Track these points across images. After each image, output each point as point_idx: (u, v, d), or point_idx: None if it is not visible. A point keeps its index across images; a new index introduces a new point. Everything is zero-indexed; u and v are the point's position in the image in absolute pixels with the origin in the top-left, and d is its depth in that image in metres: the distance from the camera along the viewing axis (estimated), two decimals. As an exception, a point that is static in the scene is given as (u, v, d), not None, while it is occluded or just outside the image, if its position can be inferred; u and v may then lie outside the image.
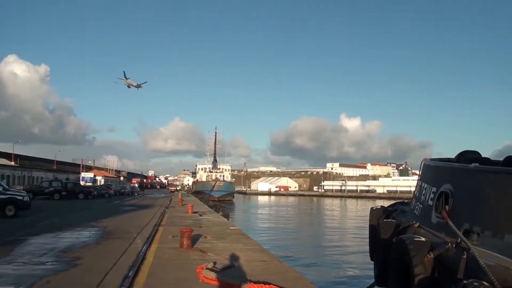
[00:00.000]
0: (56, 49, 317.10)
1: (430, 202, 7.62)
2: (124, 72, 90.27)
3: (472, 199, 6.23)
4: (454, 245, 5.99)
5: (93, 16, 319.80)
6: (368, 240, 10.71)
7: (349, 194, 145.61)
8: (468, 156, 8.56)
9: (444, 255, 6.13)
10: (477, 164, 6.97)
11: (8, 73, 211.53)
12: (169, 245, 13.06)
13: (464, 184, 6.68)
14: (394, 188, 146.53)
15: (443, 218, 6.59)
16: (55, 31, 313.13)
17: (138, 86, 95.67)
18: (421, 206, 8.27)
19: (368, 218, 10.96)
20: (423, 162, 9.38)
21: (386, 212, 10.42)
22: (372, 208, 10.78)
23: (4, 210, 22.74)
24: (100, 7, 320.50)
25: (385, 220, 9.31)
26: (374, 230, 9.87)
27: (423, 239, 6.68)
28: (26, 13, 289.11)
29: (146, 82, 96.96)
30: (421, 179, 9.00)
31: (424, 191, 8.30)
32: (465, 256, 5.53)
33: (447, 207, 6.73)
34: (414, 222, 7.86)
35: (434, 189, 7.61)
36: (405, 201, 11.42)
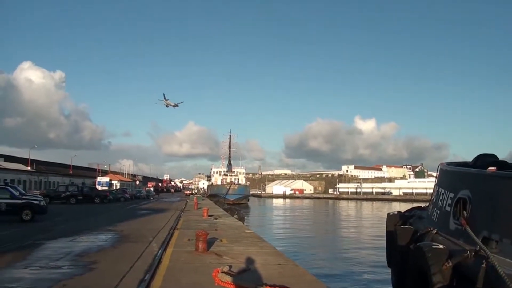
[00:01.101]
0: (71, 55, 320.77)
1: (448, 208, 7.49)
2: (164, 94, 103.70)
3: (491, 206, 6.10)
4: (473, 254, 5.85)
5: (107, 21, 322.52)
6: (385, 246, 10.57)
7: (365, 196, 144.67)
8: (485, 160, 8.41)
9: (463, 264, 6.00)
10: (494, 168, 6.83)
11: (24, 80, 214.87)
12: (184, 249, 13.05)
13: (482, 190, 6.54)
14: (410, 190, 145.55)
15: (461, 225, 6.48)
16: (70, 37, 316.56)
17: (175, 105, 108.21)
18: (438, 212, 8.14)
19: (384, 222, 10.83)
20: (439, 167, 9.23)
21: (403, 217, 10.29)
22: (389, 213, 10.65)
23: (21, 215, 22.95)
24: (114, 12, 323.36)
25: (402, 226, 9.19)
26: (391, 236, 9.75)
27: (441, 246, 6.54)
28: (41, 20, 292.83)
29: (182, 102, 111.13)
30: (438, 184, 8.86)
31: (441, 196, 8.16)
32: (484, 265, 5.40)
33: (465, 213, 6.60)
34: (431, 229, 7.72)
35: (451, 195, 7.48)
36: (422, 206, 11.25)
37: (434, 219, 8.29)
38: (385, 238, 10.71)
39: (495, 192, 6.13)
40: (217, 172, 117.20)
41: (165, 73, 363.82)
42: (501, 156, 8.81)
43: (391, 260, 9.91)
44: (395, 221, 10.12)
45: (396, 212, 10.76)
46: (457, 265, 6.07)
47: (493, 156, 8.80)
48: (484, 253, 5.48)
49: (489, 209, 6.11)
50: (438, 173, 9.23)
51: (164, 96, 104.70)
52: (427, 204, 10.13)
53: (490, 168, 7.01)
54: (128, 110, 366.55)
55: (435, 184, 9.20)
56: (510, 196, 5.75)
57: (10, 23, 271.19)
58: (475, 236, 5.93)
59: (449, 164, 9.42)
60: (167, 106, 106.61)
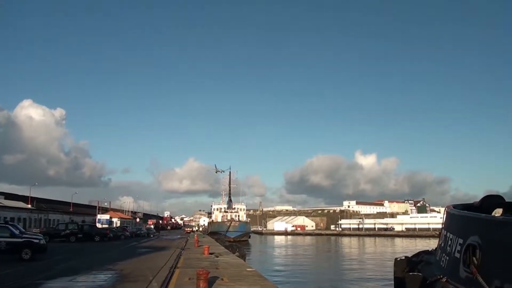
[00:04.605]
0: (72, 93, 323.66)
1: (457, 255, 7.35)
2: (215, 165, 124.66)
3: (502, 253, 5.99)
4: None
5: (106, 58, 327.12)
6: None
7: (367, 232, 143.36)
8: (492, 201, 8.37)
9: None
10: (501, 210, 6.76)
11: (24, 117, 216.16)
12: (185, 288, 12.90)
13: (493, 237, 6.42)
14: (412, 226, 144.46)
15: (472, 273, 6.35)
16: (70, 74, 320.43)
17: (222, 171, 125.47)
18: (447, 258, 7.98)
19: (387, 259, 10.75)
20: (446, 210, 9.15)
21: (410, 263, 10.16)
22: (396, 259, 10.56)
23: (20, 254, 22.75)
24: (112, 49, 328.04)
25: (411, 273, 9.08)
26: (399, 283, 9.64)
27: None
28: (41, 58, 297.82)
29: (229, 169, 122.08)
30: (446, 228, 8.74)
31: (449, 242, 8.01)
32: None
33: (475, 260, 6.48)
34: (441, 276, 7.58)
35: (460, 241, 7.35)
36: (429, 250, 11.13)
37: (443, 266, 8.12)
38: (391, 283, 10.59)
39: (506, 239, 6.01)
40: (217, 209, 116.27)
41: (165, 111, 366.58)
42: (503, 190, 8.81)
43: None
44: (403, 267, 10.01)
45: (403, 257, 10.64)
46: None
47: (499, 197, 8.76)
48: None
49: (501, 257, 5.98)
50: (445, 217, 9.14)
51: (215, 166, 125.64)
52: (430, 241, 10.01)
53: (496, 210, 6.97)
54: (128, 147, 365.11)
55: (442, 228, 9.09)
56: None
57: (10, 62, 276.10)
58: (487, 285, 5.82)
59: (455, 206, 9.34)
60: (216, 172, 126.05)
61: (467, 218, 7.74)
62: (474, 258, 6.50)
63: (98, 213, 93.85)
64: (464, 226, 7.62)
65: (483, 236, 6.59)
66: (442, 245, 8.60)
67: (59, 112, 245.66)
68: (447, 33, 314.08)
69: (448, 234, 8.27)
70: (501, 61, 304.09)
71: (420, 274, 8.78)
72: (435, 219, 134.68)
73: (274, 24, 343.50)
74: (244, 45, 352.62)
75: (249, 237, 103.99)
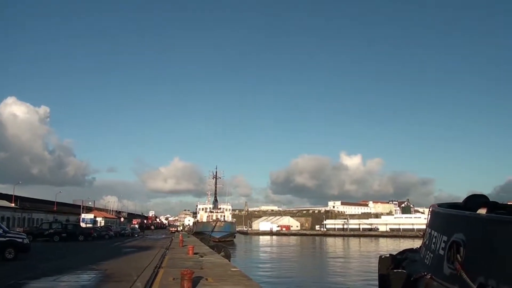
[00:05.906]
0: (56, 90, 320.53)
1: (441, 252, 7.41)
2: (212, 172, 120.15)
3: (486, 250, 6.05)
4: None
5: (91, 56, 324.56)
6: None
7: (352, 232, 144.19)
8: (476, 200, 8.48)
9: None
10: (485, 209, 6.85)
11: (7, 114, 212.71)
12: (169, 288, 12.91)
13: (477, 234, 6.46)
14: (397, 226, 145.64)
15: (456, 270, 6.40)
16: (55, 72, 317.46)
17: (220, 177, 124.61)
18: (431, 255, 8.04)
19: (371, 259, 10.83)
20: (431, 208, 9.24)
21: (395, 261, 10.22)
22: (380, 256, 10.61)
23: (3, 253, 22.50)
24: (97, 47, 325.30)
25: (395, 270, 9.16)
26: (384, 281, 9.70)
27: None
28: (25, 55, 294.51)
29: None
30: (430, 226, 8.81)
31: (434, 239, 8.08)
32: None
33: (459, 257, 6.54)
34: (425, 273, 7.63)
35: (445, 238, 7.42)
36: (414, 248, 11.23)
37: (427, 263, 8.17)
38: (375, 281, 10.65)
39: (491, 236, 6.06)
40: (202, 209, 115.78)
41: (151, 111, 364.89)
42: (486, 191, 8.95)
43: None
44: (388, 264, 10.05)
45: (388, 255, 10.70)
46: None
47: (483, 197, 8.87)
48: None
49: (485, 254, 6.04)
50: (429, 215, 9.21)
51: (213, 173, 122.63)
52: (414, 241, 10.10)
53: (481, 209, 7.06)
54: (112, 146, 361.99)
55: (426, 226, 9.17)
56: (506, 240, 5.69)
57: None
58: (471, 282, 5.88)
59: (440, 205, 9.43)
60: (213, 178, 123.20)
61: (452, 215, 7.81)
62: (458, 255, 6.55)
63: (82, 213, 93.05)
64: (448, 223, 7.69)
65: (468, 233, 6.66)
66: (427, 242, 8.67)
67: (43, 109, 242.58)
68: (435, 36, 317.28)
69: (433, 232, 8.33)
70: (486, 62, 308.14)
71: (404, 271, 8.86)
72: (419, 219, 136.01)
73: (263, 26, 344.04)
74: (230, 46, 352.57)
75: (234, 237, 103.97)
